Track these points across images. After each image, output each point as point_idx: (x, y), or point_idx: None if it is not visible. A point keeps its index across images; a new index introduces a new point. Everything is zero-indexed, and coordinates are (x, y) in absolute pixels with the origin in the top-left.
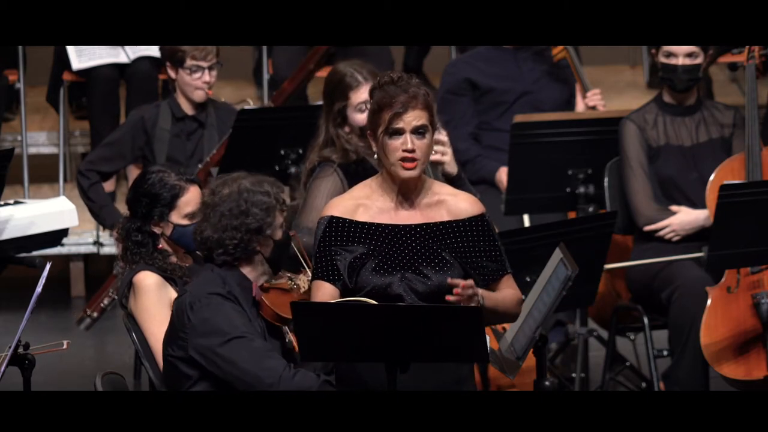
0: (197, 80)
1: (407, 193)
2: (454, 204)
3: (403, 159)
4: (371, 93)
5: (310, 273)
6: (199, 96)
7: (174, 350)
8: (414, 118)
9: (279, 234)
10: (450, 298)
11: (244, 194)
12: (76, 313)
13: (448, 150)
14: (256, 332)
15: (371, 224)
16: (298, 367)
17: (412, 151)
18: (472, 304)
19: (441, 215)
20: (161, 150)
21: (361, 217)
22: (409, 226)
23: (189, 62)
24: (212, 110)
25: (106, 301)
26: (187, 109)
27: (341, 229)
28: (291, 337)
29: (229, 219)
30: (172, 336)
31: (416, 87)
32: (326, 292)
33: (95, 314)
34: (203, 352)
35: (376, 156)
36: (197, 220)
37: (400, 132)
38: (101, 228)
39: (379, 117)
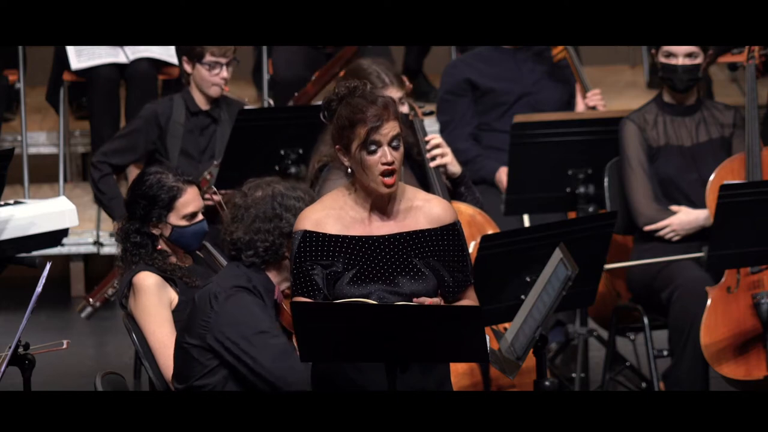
0: (215, 76)
1: (381, 202)
2: (428, 210)
3: (384, 174)
4: (329, 105)
5: None
6: (215, 92)
7: (191, 338)
8: (390, 129)
9: None
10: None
11: (278, 198)
12: (76, 313)
13: (447, 150)
14: (279, 328)
15: (344, 237)
16: None
17: (392, 163)
18: None
19: (415, 223)
20: (174, 145)
21: (334, 229)
22: (383, 237)
23: (208, 58)
24: (225, 106)
25: (110, 292)
26: (202, 104)
27: (315, 243)
28: None
29: (263, 222)
30: (190, 324)
31: (382, 96)
32: None
33: (98, 304)
34: (225, 344)
35: (349, 170)
36: (228, 220)
37: (378, 145)
38: (101, 227)
39: (352, 132)
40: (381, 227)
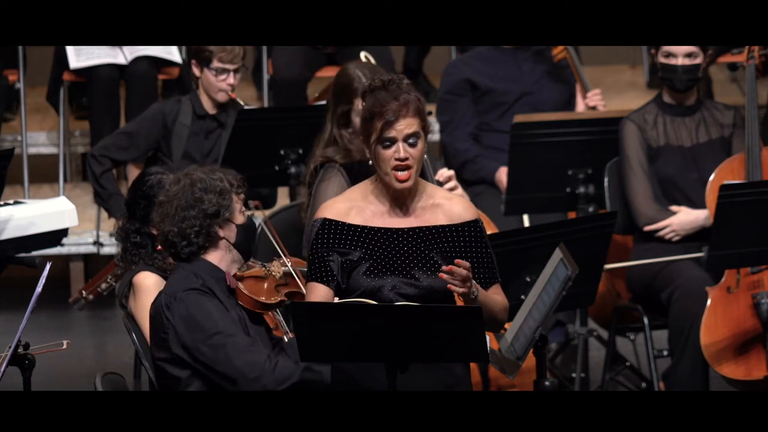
0: (222, 82)
1: (401, 196)
2: (449, 208)
3: (396, 168)
4: (363, 96)
5: (285, 259)
6: (222, 97)
7: (159, 353)
8: (405, 126)
9: (240, 218)
10: (444, 269)
11: (197, 184)
12: (76, 312)
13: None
14: (236, 325)
15: (364, 227)
16: (284, 352)
17: (405, 159)
18: (465, 290)
19: (435, 219)
20: (178, 146)
21: (355, 219)
22: (402, 229)
23: (216, 64)
24: (232, 111)
25: (103, 286)
26: (209, 107)
27: (334, 231)
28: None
29: (186, 210)
30: (154, 339)
31: (407, 93)
32: (320, 294)
33: (91, 297)
34: (189, 351)
35: (370, 162)
36: (158, 221)
37: (392, 141)
38: (101, 227)
39: (371, 125)
40: (400, 221)
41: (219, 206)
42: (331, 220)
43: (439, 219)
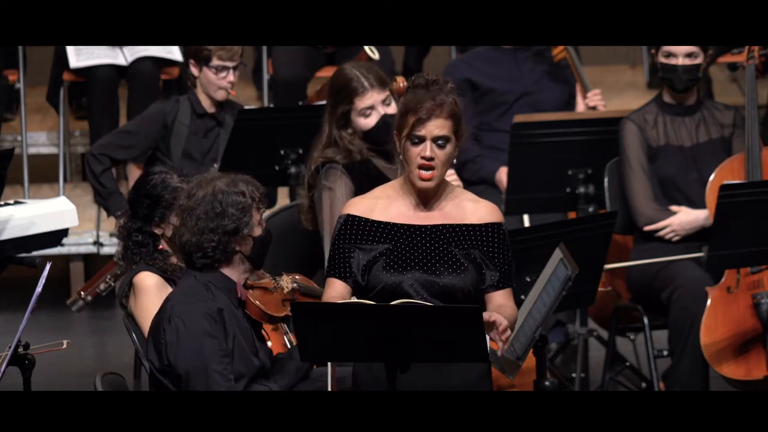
0: (222, 80)
1: (428, 196)
2: (474, 210)
3: (421, 167)
4: (405, 93)
5: (294, 276)
6: (221, 95)
7: (152, 356)
8: (436, 127)
9: (258, 231)
10: (492, 336)
11: (219, 196)
12: (76, 312)
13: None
14: (225, 355)
15: (387, 223)
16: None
17: (431, 159)
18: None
19: (460, 218)
20: (178, 145)
21: (379, 216)
22: (426, 226)
23: (215, 62)
24: (230, 110)
25: (102, 287)
26: (207, 106)
27: (357, 227)
28: (291, 336)
29: (206, 222)
30: (151, 341)
31: (445, 94)
32: (337, 290)
33: (89, 298)
34: (177, 371)
35: (401, 156)
36: (177, 223)
37: (420, 139)
38: (101, 227)
39: (405, 120)
40: (426, 218)
41: (239, 223)
42: (354, 216)
43: (464, 219)
